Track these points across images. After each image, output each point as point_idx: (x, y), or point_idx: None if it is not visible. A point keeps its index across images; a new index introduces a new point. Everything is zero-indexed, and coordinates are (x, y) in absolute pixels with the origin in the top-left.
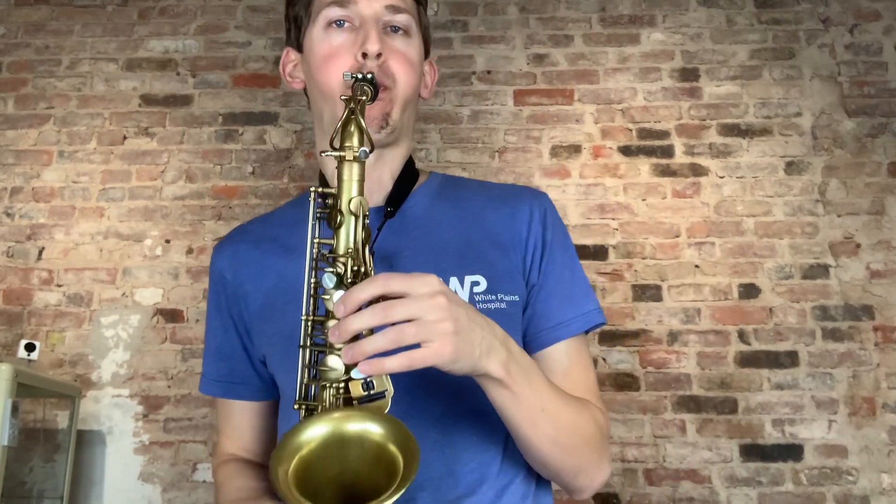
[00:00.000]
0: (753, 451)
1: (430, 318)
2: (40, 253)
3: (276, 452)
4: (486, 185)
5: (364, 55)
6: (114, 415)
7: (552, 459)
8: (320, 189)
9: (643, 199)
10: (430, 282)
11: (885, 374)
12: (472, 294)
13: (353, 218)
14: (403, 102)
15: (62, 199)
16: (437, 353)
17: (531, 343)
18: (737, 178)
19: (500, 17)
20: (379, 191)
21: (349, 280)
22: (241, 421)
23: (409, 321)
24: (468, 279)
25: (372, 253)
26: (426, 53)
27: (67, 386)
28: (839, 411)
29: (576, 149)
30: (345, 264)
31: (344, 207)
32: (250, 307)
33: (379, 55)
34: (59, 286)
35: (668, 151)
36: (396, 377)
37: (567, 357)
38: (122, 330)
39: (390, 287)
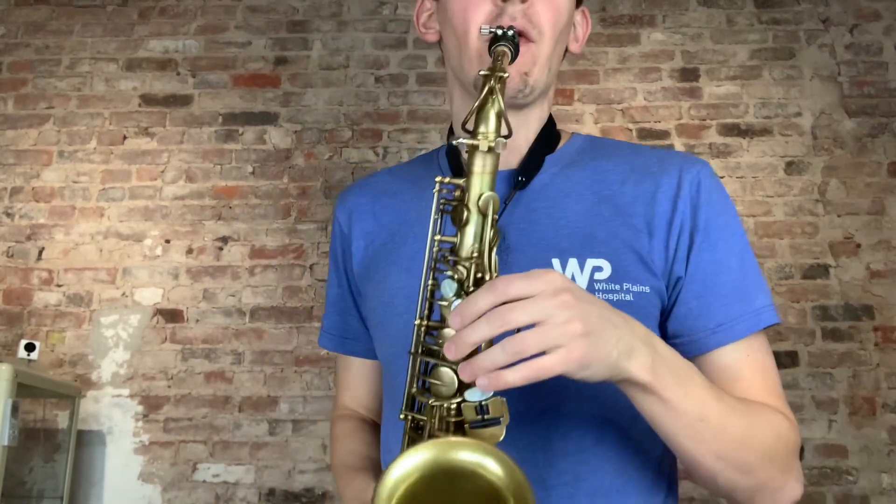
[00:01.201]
0: None
1: (555, 321)
2: (40, 253)
3: (381, 482)
4: (636, 151)
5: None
6: (114, 415)
7: (721, 478)
8: (447, 179)
9: None
10: (553, 279)
11: (885, 374)
12: (591, 280)
13: (481, 217)
14: (547, 59)
15: (62, 199)
16: (566, 359)
17: (685, 346)
18: (737, 177)
19: None
20: (512, 155)
21: (471, 289)
22: (356, 378)
23: (531, 325)
24: (590, 262)
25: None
26: (578, 2)
27: (67, 386)
28: (839, 411)
29: None
30: (467, 269)
31: (472, 203)
32: (356, 264)
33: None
34: (59, 286)
35: None
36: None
37: (734, 362)
38: (122, 330)
39: (510, 293)
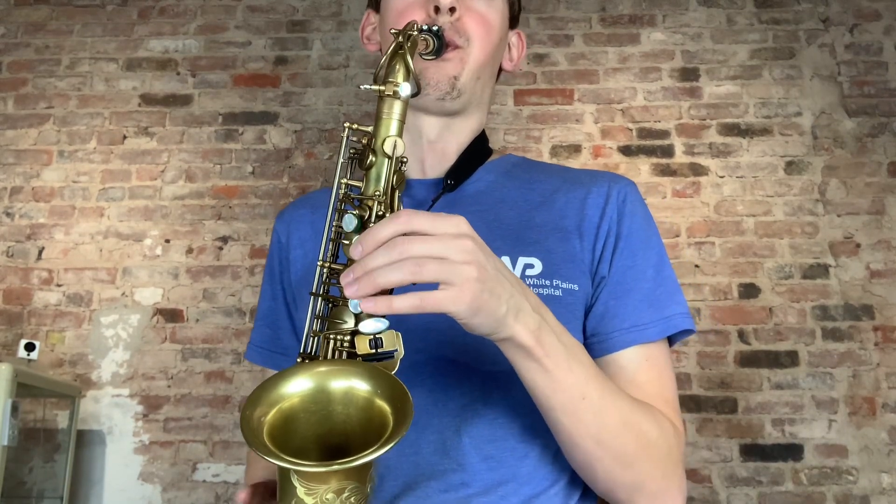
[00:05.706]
0: (753, 451)
1: (452, 259)
2: (40, 253)
3: (250, 400)
4: (566, 169)
5: (437, 10)
6: (114, 415)
7: (600, 467)
8: (355, 126)
9: None
10: (458, 223)
11: (885, 374)
12: (523, 276)
13: (385, 159)
14: (476, 67)
15: (62, 199)
16: (455, 298)
17: (599, 345)
18: (737, 177)
19: None
20: (442, 163)
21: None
22: None
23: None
24: (521, 260)
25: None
26: (513, 22)
27: (67, 386)
28: (839, 411)
29: (576, 148)
30: (370, 207)
31: (377, 147)
32: (294, 273)
33: (452, 10)
34: (59, 286)
35: (668, 151)
36: (422, 355)
37: (635, 364)
38: (122, 330)
39: (413, 224)
